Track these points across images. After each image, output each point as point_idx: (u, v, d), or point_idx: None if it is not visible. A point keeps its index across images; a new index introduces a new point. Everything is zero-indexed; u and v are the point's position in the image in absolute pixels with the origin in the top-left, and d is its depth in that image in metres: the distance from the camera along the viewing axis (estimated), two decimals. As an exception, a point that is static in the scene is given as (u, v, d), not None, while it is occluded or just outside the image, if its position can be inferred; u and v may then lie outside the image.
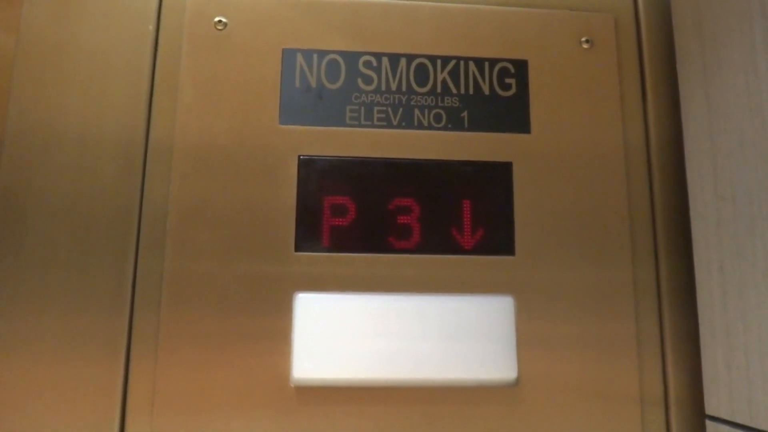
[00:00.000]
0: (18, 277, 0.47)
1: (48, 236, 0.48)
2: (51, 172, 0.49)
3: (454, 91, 0.53)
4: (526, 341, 0.49)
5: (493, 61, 0.54)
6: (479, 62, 0.54)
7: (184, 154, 0.50)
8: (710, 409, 0.47)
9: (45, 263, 0.48)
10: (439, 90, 0.53)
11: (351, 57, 0.53)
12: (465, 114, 0.53)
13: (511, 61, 0.54)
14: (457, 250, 0.51)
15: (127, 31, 0.52)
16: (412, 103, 0.53)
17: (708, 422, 0.47)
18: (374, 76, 0.53)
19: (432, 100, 0.53)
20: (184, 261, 0.48)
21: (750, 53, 0.44)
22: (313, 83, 0.52)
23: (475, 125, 0.53)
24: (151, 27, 0.52)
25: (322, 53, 0.53)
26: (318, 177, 0.51)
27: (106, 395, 0.46)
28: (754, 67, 0.44)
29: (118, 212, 0.49)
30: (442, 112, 0.53)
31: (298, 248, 0.49)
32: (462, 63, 0.54)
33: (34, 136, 0.49)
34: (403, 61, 0.53)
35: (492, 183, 0.52)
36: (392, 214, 0.50)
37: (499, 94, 0.53)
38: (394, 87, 0.53)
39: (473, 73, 0.54)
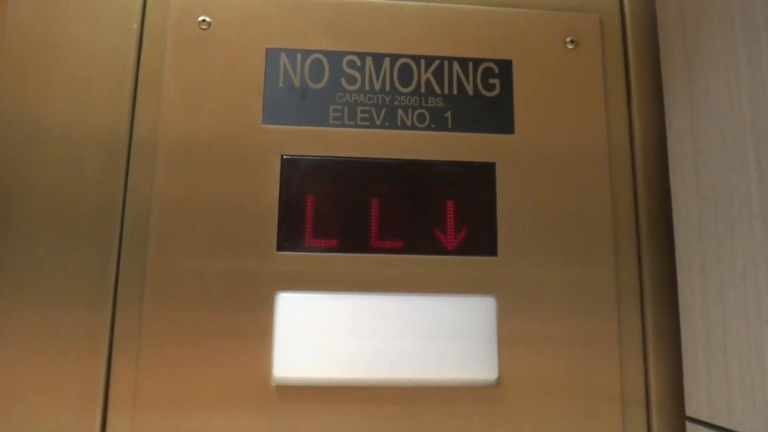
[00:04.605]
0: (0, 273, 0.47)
1: (31, 232, 0.48)
2: (34, 168, 0.49)
3: (438, 91, 0.53)
4: (507, 341, 0.49)
5: (477, 61, 0.54)
6: (463, 62, 0.54)
7: (168, 152, 0.50)
8: (690, 410, 0.47)
9: (27, 259, 0.48)
10: (422, 90, 0.53)
11: (335, 57, 0.53)
12: (449, 114, 0.53)
13: (495, 61, 0.54)
14: (439, 250, 0.51)
15: (112, 28, 0.52)
16: (396, 103, 0.53)
17: (688, 424, 0.47)
18: (358, 75, 0.53)
19: (415, 100, 0.53)
20: (167, 258, 0.48)
21: (731, 53, 0.44)
22: (297, 83, 0.52)
23: (459, 125, 0.53)
24: (136, 25, 0.52)
25: (306, 53, 0.53)
26: (301, 177, 0.51)
27: (87, 392, 0.47)
28: (735, 67, 0.43)
29: (102, 208, 0.49)
30: (425, 112, 0.53)
31: (280, 247, 0.49)
32: (446, 63, 0.54)
33: (17, 131, 0.50)
34: (386, 61, 0.53)
35: (475, 183, 0.52)
36: (375, 214, 0.50)
37: (483, 95, 0.53)
38: (377, 87, 0.53)
39: (457, 73, 0.54)
